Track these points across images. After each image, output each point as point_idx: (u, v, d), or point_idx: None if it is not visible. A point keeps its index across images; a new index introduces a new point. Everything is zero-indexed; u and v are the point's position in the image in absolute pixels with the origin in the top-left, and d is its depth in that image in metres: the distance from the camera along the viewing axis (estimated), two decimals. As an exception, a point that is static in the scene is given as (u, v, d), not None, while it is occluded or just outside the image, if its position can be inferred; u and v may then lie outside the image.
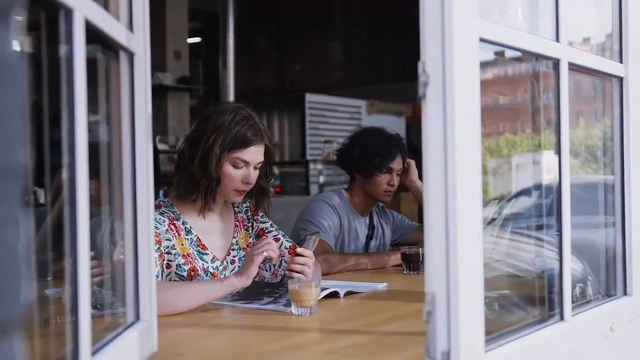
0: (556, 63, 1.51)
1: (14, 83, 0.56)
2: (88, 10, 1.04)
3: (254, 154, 2.22)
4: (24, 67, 0.58)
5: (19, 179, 0.57)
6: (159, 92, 7.37)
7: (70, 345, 0.99)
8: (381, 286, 2.35)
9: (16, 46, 0.59)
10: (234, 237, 2.36)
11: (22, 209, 0.58)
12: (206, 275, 2.22)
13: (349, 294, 2.18)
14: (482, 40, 1.24)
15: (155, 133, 5.83)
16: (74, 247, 0.99)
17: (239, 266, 2.30)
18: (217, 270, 2.27)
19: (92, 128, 1.06)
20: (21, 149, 0.57)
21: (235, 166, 2.21)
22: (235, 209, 2.42)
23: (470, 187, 1.19)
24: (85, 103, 1.01)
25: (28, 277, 0.59)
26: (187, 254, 2.20)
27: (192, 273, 2.18)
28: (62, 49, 0.99)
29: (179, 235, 2.20)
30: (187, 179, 2.22)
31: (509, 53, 1.53)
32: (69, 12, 0.98)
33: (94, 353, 1.06)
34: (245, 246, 2.38)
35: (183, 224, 2.24)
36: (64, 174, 0.99)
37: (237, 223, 2.39)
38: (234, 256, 2.34)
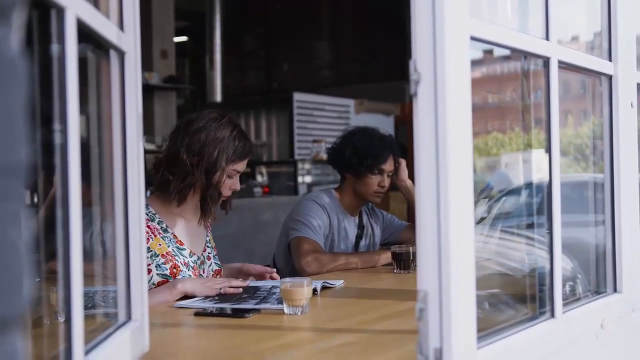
0: (546, 61, 1.51)
1: (16, 81, 0.56)
2: (80, 9, 1.03)
3: (245, 164, 2.33)
4: (26, 66, 0.58)
5: (21, 177, 0.57)
6: (145, 92, 7.22)
7: (63, 344, 0.98)
8: (338, 283, 2.35)
9: (18, 44, 0.59)
10: (207, 236, 2.45)
11: (24, 207, 0.58)
12: (188, 270, 2.26)
13: (324, 288, 2.22)
14: (473, 38, 1.24)
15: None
16: (67, 247, 0.99)
17: (215, 262, 2.42)
18: (196, 264, 2.32)
19: (81, 128, 1.05)
20: (23, 147, 0.57)
21: (230, 176, 2.29)
22: None
23: (462, 185, 1.19)
24: (78, 102, 1.00)
25: (30, 274, 0.60)
26: (167, 253, 2.23)
27: (175, 270, 2.23)
28: (54, 48, 0.99)
29: (155, 235, 2.22)
30: (187, 187, 2.26)
31: (497, 52, 1.53)
32: (60, 11, 0.97)
33: (86, 353, 1.06)
34: (213, 246, 2.47)
35: (159, 223, 2.27)
36: (56, 175, 0.98)
37: (208, 224, 2.47)
38: (208, 253, 2.42)
